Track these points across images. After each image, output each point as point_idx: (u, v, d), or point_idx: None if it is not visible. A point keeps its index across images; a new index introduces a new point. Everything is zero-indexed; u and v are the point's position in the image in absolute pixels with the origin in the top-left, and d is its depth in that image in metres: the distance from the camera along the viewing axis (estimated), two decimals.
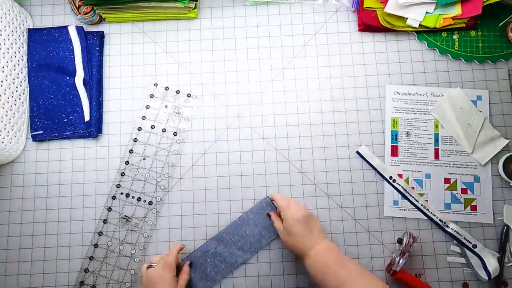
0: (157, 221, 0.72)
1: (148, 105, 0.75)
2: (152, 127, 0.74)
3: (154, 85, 0.75)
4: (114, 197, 0.73)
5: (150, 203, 0.73)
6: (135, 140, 0.74)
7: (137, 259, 0.71)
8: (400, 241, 0.68)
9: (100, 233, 0.72)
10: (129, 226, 0.72)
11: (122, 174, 0.73)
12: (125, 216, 0.72)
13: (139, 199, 0.73)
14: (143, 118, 0.74)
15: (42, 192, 0.74)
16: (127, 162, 0.73)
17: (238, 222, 0.71)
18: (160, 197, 0.73)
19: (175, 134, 0.73)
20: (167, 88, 0.75)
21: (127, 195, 0.73)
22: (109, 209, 0.72)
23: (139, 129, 0.74)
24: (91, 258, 0.71)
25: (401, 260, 0.65)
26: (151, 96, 0.75)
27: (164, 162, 0.73)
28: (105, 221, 0.72)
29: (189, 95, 0.74)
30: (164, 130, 0.74)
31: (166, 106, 0.74)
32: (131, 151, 0.73)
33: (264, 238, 0.71)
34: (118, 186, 0.73)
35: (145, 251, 0.72)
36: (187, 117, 0.74)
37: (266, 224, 0.71)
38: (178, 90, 0.75)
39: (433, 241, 0.71)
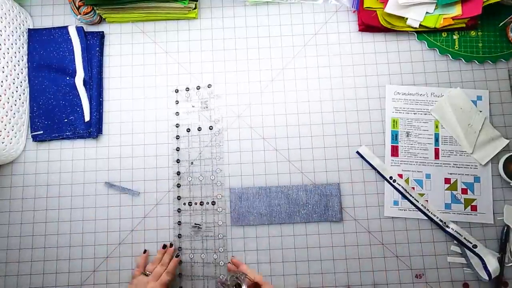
0: (226, 218, 0.72)
1: (177, 112, 0.75)
2: (188, 130, 0.74)
3: (175, 91, 0.75)
4: (179, 210, 0.73)
5: (213, 203, 0.73)
6: (177, 149, 0.74)
7: (222, 263, 0.71)
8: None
9: (180, 248, 0.72)
10: (202, 232, 0.72)
11: (178, 186, 0.73)
12: (195, 224, 0.72)
13: (201, 203, 0.73)
14: (177, 125, 0.75)
15: (42, 192, 0.74)
16: (178, 173, 0.73)
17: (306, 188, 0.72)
18: (221, 194, 0.73)
19: (210, 128, 0.74)
20: (187, 89, 0.75)
21: (190, 204, 0.73)
22: (179, 223, 0.72)
23: (177, 137, 0.74)
24: (180, 275, 0.71)
25: None
26: (177, 102, 0.75)
27: (212, 159, 0.73)
28: (179, 236, 0.72)
29: (209, 86, 0.75)
30: (199, 129, 0.74)
31: (193, 106, 0.74)
32: (178, 161, 0.74)
33: (316, 215, 0.71)
34: (179, 198, 0.73)
35: (226, 252, 0.71)
36: (216, 107, 0.74)
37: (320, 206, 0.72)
38: (199, 86, 0.75)
39: (434, 241, 0.71)
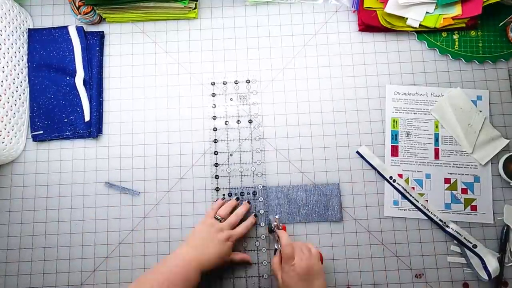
0: (268, 207, 0.72)
1: (214, 104, 0.75)
2: (226, 123, 0.74)
3: (212, 83, 0.75)
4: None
5: (254, 193, 0.72)
6: (215, 141, 0.74)
7: (264, 249, 0.71)
8: (270, 230, 0.67)
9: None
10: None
11: (216, 177, 0.73)
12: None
13: (242, 193, 0.73)
14: (214, 118, 0.74)
15: (42, 192, 0.74)
16: (216, 164, 0.73)
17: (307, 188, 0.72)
18: (262, 185, 0.73)
19: (250, 121, 0.74)
20: (225, 83, 0.75)
21: (229, 195, 0.73)
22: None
23: (215, 129, 0.74)
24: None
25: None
26: (213, 95, 0.75)
27: (251, 151, 0.73)
28: None
29: (248, 81, 0.75)
30: (238, 122, 0.74)
31: (231, 99, 0.75)
32: (215, 153, 0.73)
33: (316, 215, 0.72)
34: (217, 189, 0.73)
35: (268, 239, 0.71)
36: (255, 102, 0.74)
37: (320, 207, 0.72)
38: (237, 80, 0.75)
39: (433, 241, 0.71)
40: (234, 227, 0.68)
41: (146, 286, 0.57)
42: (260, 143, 0.74)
